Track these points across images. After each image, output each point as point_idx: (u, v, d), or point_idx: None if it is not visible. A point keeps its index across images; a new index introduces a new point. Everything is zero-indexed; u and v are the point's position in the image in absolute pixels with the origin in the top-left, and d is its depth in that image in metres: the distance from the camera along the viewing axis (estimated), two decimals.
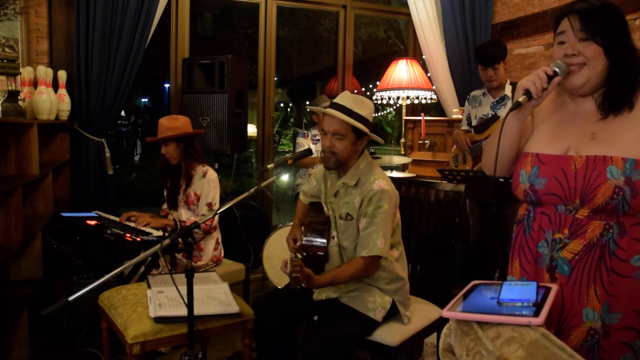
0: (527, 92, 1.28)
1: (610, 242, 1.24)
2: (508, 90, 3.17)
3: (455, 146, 3.41)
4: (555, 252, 1.29)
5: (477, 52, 3.15)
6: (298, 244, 2.22)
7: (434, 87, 4.25)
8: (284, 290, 2.25)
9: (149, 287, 2.12)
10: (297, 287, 1.82)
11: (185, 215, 2.77)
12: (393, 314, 2.07)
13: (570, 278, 1.27)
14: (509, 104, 3.16)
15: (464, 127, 3.41)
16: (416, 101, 4.27)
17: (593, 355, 1.26)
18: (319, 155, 3.69)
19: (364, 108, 2.00)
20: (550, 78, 1.28)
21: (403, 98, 4.19)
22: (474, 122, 3.32)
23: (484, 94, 3.28)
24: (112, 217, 2.83)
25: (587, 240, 1.25)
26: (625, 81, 1.28)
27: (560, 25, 1.32)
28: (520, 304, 1.02)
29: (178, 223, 2.68)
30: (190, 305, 1.67)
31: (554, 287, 1.12)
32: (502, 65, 3.09)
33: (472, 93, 3.38)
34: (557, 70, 1.29)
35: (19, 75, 2.69)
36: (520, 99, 1.29)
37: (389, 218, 1.98)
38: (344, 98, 2.02)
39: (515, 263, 1.42)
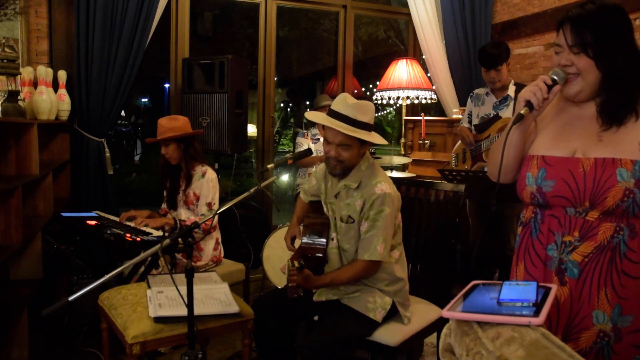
0: (529, 104, 1.29)
1: (621, 244, 1.23)
2: (512, 90, 3.12)
3: (456, 145, 3.39)
4: (565, 255, 1.27)
5: (479, 54, 3.10)
6: (297, 242, 2.22)
7: (434, 87, 4.25)
8: (284, 291, 2.25)
9: (149, 287, 2.12)
10: (294, 296, 1.83)
11: (184, 215, 2.77)
12: (393, 314, 2.07)
13: (579, 280, 1.25)
14: (512, 105, 3.13)
15: (465, 124, 3.35)
16: (416, 101, 4.27)
17: (603, 358, 1.25)
18: (319, 154, 3.71)
19: (366, 113, 1.96)
20: (549, 87, 1.28)
21: (403, 98, 4.19)
22: (475, 121, 3.28)
23: (487, 93, 3.22)
24: (112, 217, 2.83)
25: (598, 242, 1.24)
26: (622, 92, 1.26)
27: (559, 32, 1.31)
28: (520, 304, 1.02)
29: (178, 222, 2.68)
30: (190, 305, 1.67)
31: (554, 287, 1.11)
32: (504, 66, 3.04)
33: (476, 91, 3.33)
34: (555, 78, 1.29)
35: (19, 75, 2.69)
36: (522, 111, 1.29)
37: (389, 222, 1.97)
38: (345, 106, 1.95)
39: (520, 266, 1.39)
